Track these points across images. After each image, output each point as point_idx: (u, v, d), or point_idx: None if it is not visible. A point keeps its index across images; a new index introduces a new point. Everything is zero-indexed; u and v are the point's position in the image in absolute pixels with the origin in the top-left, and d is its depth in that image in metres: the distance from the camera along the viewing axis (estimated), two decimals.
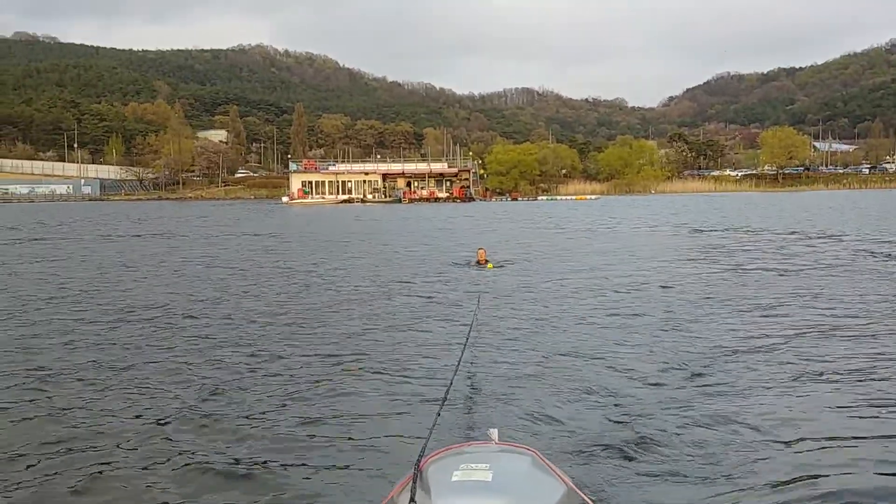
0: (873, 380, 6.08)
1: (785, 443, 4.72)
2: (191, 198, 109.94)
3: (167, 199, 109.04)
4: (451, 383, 4.47)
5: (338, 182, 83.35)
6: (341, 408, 5.67)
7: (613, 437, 4.86)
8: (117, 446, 4.87)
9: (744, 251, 18.42)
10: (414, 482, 2.46)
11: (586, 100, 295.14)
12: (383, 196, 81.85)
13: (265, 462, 4.60)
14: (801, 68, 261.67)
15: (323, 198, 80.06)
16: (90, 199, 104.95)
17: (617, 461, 4.50)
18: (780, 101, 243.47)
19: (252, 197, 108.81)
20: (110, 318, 9.61)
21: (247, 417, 5.47)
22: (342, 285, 12.87)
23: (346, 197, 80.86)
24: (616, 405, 5.62)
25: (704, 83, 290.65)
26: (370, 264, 16.55)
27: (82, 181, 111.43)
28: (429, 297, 11.24)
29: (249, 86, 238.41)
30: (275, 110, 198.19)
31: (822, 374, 6.34)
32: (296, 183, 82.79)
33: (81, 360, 7.24)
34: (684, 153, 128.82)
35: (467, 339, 6.67)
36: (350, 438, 5.05)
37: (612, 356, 7.07)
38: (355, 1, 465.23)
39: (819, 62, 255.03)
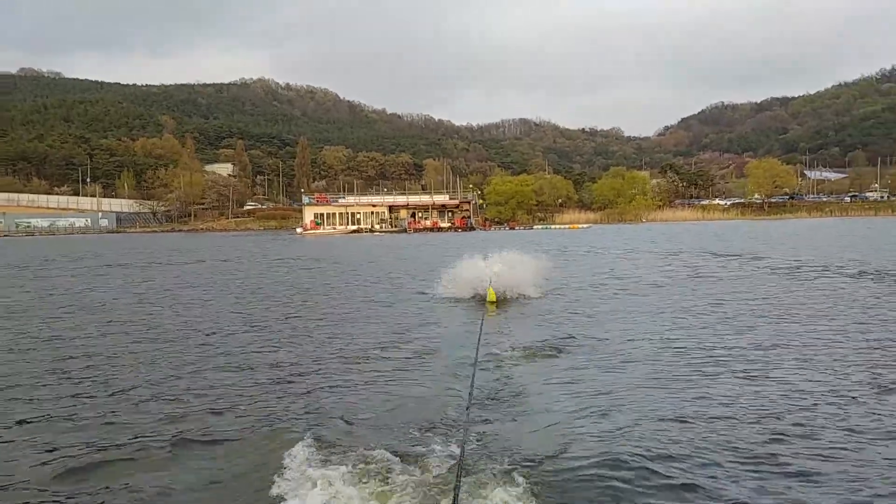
0: None
1: None
2: (202, 229, 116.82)
3: (180, 230, 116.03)
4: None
5: (347, 214, 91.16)
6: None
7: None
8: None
9: (674, 271, 25.54)
10: None
11: (583, 130, 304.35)
12: (390, 226, 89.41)
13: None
14: (793, 97, 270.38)
15: (334, 228, 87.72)
16: (107, 232, 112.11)
17: None
18: (773, 129, 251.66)
19: (262, 228, 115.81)
20: (245, 328, 16.24)
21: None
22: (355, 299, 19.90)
23: (355, 227, 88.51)
24: None
25: (699, 112, 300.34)
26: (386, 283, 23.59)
27: (99, 214, 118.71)
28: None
29: (252, 119, 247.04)
30: (277, 143, 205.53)
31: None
32: (308, 215, 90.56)
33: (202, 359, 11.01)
34: (675, 183, 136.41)
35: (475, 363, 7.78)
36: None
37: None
38: (353, 35, 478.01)
39: (812, 91, 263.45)
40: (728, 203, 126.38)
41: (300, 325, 12.91)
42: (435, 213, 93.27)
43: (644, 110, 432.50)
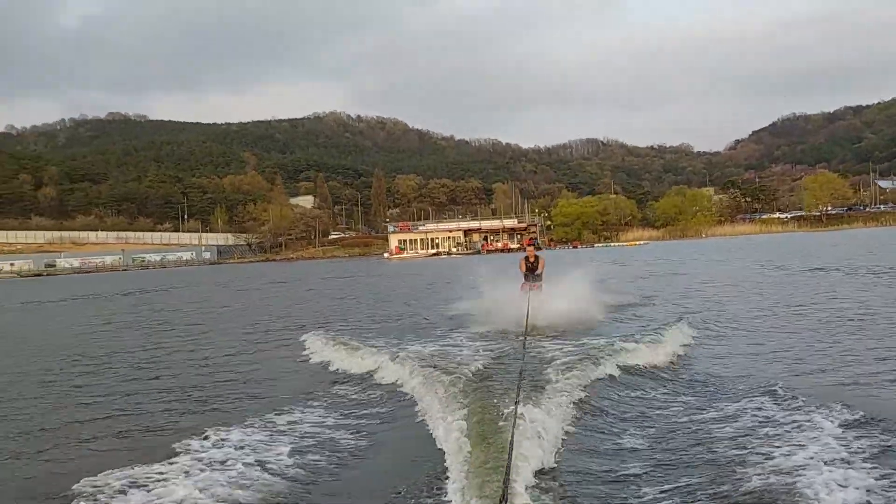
0: None
1: None
2: (293, 258, 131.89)
3: (273, 260, 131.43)
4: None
5: (427, 239, 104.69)
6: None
7: None
8: None
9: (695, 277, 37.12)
10: None
11: (651, 147, 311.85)
12: (465, 248, 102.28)
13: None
14: (867, 106, 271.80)
15: (416, 252, 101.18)
16: (210, 263, 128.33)
17: None
18: (847, 139, 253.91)
19: (347, 255, 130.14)
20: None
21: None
22: None
23: (434, 251, 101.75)
24: None
25: (770, 125, 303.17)
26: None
27: (202, 248, 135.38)
28: None
29: (326, 151, 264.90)
30: (352, 174, 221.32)
31: None
32: (393, 241, 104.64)
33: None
34: (737, 198, 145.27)
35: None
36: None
37: None
38: (419, 64, 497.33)
39: (886, 99, 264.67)
40: (787, 217, 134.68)
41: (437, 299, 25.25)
42: (505, 235, 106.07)
43: (714, 125, 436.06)
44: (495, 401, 7.69)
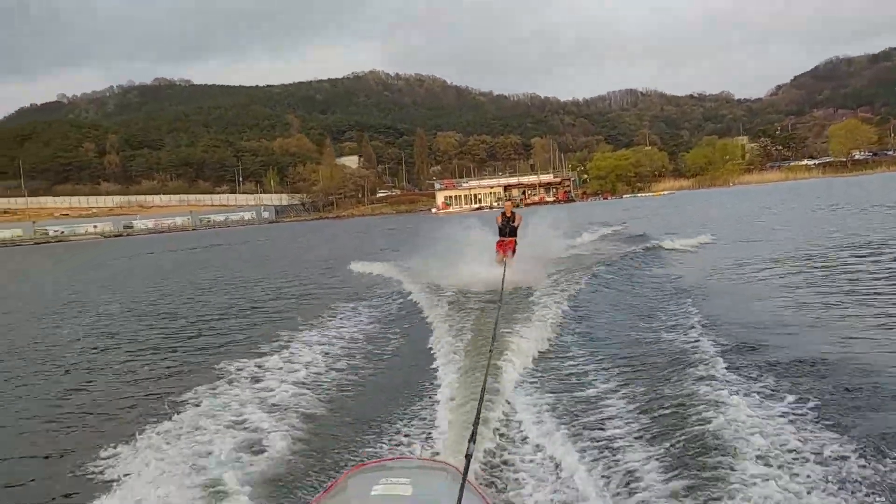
0: None
1: None
2: (345, 216, 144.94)
3: (326, 218, 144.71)
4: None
5: (471, 195, 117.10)
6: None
7: None
8: None
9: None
10: (333, 494, 2.86)
11: (691, 96, 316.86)
12: (505, 202, 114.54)
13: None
14: None
15: (461, 207, 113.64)
16: (269, 222, 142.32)
17: None
18: (891, 81, 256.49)
19: (394, 212, 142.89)
20: None
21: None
22: None
23: (477, 206, 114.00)
24: None
25: (812, 69, 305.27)
26: None
27: (262, 208, 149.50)
28: None
29: (367, 110, 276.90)
30: (393, 132, 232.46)
31: None
32: (440, 197, 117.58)
33: None
34: (767, 147, 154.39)
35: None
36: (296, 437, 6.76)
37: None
38: (456, 19, 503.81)
39: None
40: (814, 163, 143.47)
41: None
42: (541, 189, 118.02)
43: (754, 71, 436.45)
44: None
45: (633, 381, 7.61)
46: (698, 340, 9.12)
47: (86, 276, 34.48)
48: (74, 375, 10.91)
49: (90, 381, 10.32)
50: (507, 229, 17.43)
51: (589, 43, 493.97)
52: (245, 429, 6.83)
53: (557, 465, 5.61)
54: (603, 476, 5.36)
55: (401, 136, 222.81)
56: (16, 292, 28.82)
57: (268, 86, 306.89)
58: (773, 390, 6.79)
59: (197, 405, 7.77)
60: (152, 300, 20.29)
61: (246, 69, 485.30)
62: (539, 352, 9.42)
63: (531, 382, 8.02)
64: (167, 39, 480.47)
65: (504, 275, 13.61)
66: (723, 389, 6.75)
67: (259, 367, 9.44)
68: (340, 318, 13.39)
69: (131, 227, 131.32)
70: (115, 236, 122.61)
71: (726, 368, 7.55)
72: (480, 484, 4.17)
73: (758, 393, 6.71)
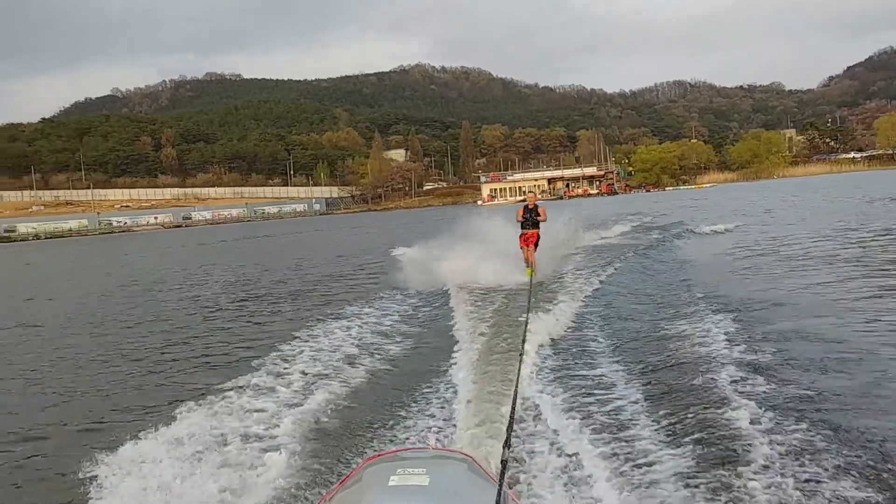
0: None
1: None
2: (392, 208, 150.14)
3: (374, 210, 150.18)
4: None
5: (515, 187, 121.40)
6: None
7: None
8: None
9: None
10: (350, 484, 2.89)
11: (741, 87, 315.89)
12: (549, 195, 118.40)
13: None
14: None
15: (506, 200, 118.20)
16: (321, 214, 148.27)
17: None
18: None
19: (441, 204, 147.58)
20: None
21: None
22: None
23: (521, 198, 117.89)
24: None
25: (866, 59, 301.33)
26: None
27: (313, 200, 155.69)
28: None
29: (413, 104, 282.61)
30: (440, 126, 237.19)
31: None
32: (486, 190, 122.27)
33: None
34: (814, 140, 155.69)
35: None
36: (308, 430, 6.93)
37: None
38: (501, 10, 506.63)
39: None
40: (861, 156, 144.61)
41: None
42: (585, 182, 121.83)
43: (807, 61, 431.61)
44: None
45: (651, 376, 7.99)
46: (722, 333, 9.52)
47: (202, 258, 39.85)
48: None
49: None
50: (530, 223, 17.24)
51: (637, 29, 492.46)
52: (262, 421, 7.14)
53: (574, 462, 5.74)
54: (621, 474, 5.44)
55: (447, 130, 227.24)
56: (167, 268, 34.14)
57: (316, 80, 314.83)
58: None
59: (216, 396, 8.10)
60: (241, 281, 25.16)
61: (293, 63, 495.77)
62: (557, 345, 9.90)
63: (549, 377, 8.31)
64: (217, 33, 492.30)
65: (531, 281, 13.63)
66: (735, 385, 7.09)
67: (282, 358, 10.00)
68: (366, 308, 14.29)
69: (190, 219, 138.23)
70: (175, 227, 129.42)
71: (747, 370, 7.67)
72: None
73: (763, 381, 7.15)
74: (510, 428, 3.78)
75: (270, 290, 19.79)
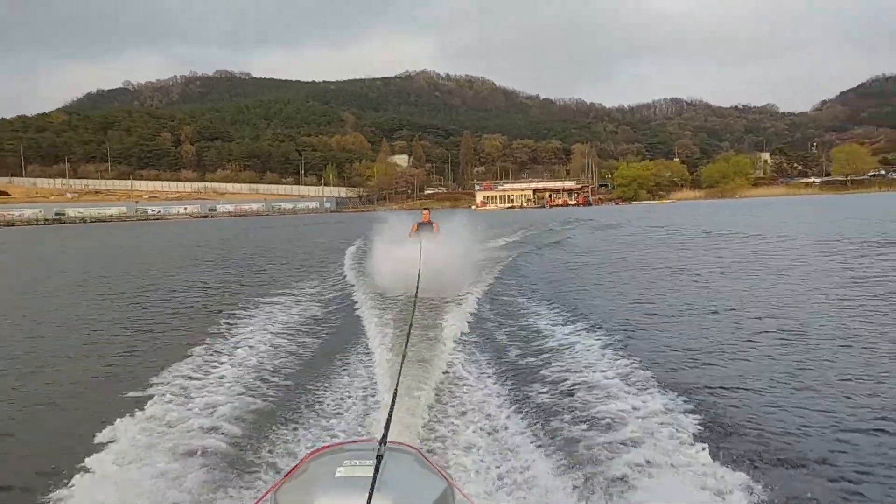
0: None
1: None
2: (394, 209, 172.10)
3: (378, 210, 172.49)
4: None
5: (505, 195, 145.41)
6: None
7: None
8: None
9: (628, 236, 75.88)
10: (296, 475, 2.92)
11: (735, 107, 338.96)
12: (533, 203, 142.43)
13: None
14: None
15: (496, 206, 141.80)
16: (331, 211, 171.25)
17: None
18: None
19: (439, 207, 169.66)
20: None
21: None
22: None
23: (510, 205, 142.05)
24: None
25: (858, 85, 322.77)
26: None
27: (324, 199, 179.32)
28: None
29: (417, 110, 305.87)
30: (442, 133, 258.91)
31: None
32: (479, 197, 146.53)
33: None
34: (781, 164, 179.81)
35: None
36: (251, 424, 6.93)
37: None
38: (509, 18, 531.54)
39: None
40: (818, 181, 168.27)
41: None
42: (565, 193, 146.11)
43: (801, 84, 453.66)
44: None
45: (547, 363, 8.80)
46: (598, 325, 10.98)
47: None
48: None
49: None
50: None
51: (637, 45, 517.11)
52: (201, 414, 7.09)
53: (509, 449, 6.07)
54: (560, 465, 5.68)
55: (448, 137, 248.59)
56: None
57: (324, 81, 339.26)
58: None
59: (153, 393, 7.83)
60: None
61: (302, 62, 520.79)
62: (463, 332, 10.84)
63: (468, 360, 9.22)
64: (228, 27, 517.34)
65: (420, 256, 13.69)
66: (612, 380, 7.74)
67: (209, 351, 9.99)
68: (288, 299, 15.16)
69: (215, 210, 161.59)
70: (203, 217, 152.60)
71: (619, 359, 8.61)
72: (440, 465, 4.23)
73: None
74: (387, 426, 3.58)
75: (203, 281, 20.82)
